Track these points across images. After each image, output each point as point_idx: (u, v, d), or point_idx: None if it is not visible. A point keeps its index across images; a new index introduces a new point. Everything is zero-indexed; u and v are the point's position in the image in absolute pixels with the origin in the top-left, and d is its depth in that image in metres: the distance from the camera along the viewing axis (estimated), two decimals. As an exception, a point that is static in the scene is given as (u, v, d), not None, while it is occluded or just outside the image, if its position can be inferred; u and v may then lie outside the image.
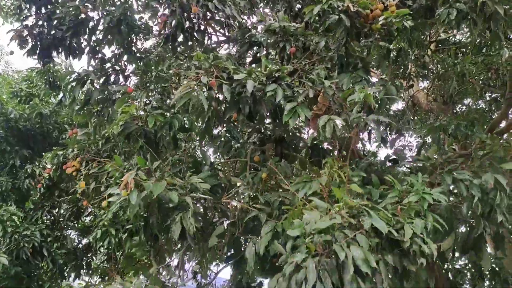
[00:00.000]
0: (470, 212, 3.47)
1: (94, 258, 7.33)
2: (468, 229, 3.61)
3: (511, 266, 7.62)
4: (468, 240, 3.46)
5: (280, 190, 3.59)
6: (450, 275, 7.83)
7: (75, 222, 6.85)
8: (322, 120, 3.42)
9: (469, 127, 6.11)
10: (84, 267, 6.91)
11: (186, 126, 4.12)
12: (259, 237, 3.14)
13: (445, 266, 9.18)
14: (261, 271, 3.29)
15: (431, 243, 2.74)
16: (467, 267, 7.69)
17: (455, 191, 3.56)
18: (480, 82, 8.89)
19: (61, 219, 6.80)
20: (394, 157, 4.18)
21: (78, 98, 4.53)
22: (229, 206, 3.65)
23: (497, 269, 7.12)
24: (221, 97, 3.68)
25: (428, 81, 9.38)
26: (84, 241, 7.10)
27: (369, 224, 2.70)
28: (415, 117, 10.30)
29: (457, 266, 8.31)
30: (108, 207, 3.31)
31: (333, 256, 2.57)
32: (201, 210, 3.51)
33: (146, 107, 3.76)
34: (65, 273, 6.72)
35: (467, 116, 8.01)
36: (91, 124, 4.67)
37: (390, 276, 2.95)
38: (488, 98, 9.75)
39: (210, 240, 3.39)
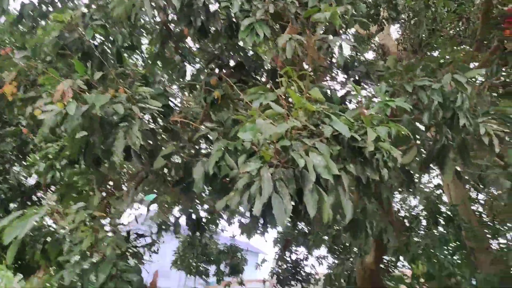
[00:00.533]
0: (432, 122, 3.31)
1: (44, 196, 6.96)
2: (431, 142, 3.47)
3: (465, 213, 7.89)
4: (432, 152, 3.33)
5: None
6: (406, 221, 8.05)
7: (22, 157, 6.40)
8: (282, 39, 3.12)
9: (437, 69, 5.99)
10: (34, 204, 6.55)
11: (134, 44, 3.70)
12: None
13: (402, 213, 9.48)
14: (211, 193, 3.04)
15: (395, 149, 2.56)
16: (423, 214, 7.90)
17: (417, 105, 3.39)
18: (451, 31, 8.77)
19: (5, 153, 6.32)
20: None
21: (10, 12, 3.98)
22: (178, 125, 3.34)
23: (451, 215, 7.32)
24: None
25: (399, 25, 9.16)
26: (34, 178, 6.69)
27: (330, 131, 2.47)
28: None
29: (413, 213, 8.56)
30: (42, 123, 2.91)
31: (290, 165, 2.34)
32: (149, 130, 3.19)
33: (85, 19, 3.31)
34: (12, 210, 6.35)
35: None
36: (28, 43, 4.15)
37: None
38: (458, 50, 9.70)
39: (156, 161, 3.11)
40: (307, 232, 10.62)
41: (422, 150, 4.04)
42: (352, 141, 2.53)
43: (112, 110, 2.91)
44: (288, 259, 10.69)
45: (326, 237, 10.36)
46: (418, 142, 3.62)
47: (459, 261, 7.21)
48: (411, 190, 4.00)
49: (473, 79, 3.47)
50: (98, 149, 3.12)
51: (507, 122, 3.32)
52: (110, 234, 3.52)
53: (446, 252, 6.87)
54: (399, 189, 9.78)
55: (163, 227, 3.72)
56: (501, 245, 7.91)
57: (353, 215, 3.85)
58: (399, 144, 3.06)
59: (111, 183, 4.69)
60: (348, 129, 2.49)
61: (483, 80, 5.66)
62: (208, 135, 3.04)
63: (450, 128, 3.20)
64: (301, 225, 11.07)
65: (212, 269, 10.54)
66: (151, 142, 3.17)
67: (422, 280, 7.19)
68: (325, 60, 4.64)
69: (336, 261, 10.35)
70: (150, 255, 9.76)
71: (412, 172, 3.61)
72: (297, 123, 2.45)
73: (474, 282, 7.22)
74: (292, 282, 10.54)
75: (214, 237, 11.47)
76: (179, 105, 3.82)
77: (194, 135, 3.19)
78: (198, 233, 4.17)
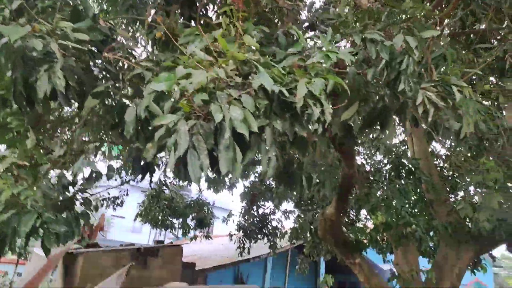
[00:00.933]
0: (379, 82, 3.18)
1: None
2: (375, 101, 3.34)
3: (427, 167, 8.03)
4: (375, 111, 3.21)
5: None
6: (370, 176, 8.17)
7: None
8: None
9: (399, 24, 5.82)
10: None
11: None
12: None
13: (366, 167, 9.62)
14: (142, 139, 2.84)
15: (327, 106, 2.42)
16: (386, 169, 8.02)
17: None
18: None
19: None
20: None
21: None
22: (112, 61, 3.07)
23: (412, 169, 7.44)
24: None
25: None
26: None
27: (259, 83, 2.29)
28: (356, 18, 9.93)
29: (378, 167, 8.70)
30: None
31: (211, 119, 2.17)
32: (80, 66, 2.92)
33: None
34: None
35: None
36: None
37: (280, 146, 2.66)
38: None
39: (87, 101, 2.87)
40: (275, 186, 10.70)
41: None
42: (282, 94, 2.37)
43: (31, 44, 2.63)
44: (255, 213, 10.80)
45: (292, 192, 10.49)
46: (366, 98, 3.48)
47: (417, 212, 7.42)
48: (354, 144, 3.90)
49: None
50: (23, 87, 2.85)
51: (448, 91, 3.23)
52: (44, 183, 3.32)
53: (405, 203, 7.01)
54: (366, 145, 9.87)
55: (94, 173, 3.51)
56: (457, 198, 8.18)
57: (291, 168, 3.78)
58: (341, 98, 2.92)
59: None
60: (273, 82, 2.30)
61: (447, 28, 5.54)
62: (143, 75, 2.80)
63: (392, 89, 3.07)
64: (269, 181, 11.14)
65: (179, 223, 10.55)
66: (85, 81, 2.91)
67: (380, 230, 7.38)
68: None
69: (302, 215, 10.54)
70: (115, 208, 9.71)
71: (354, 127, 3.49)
72: (220, 73, 2.25)
73: (431, 234, 7.48)
74: (259, 236, 10.71)
75: (183, 193, 11.45)
76: (124, 42, 3.52)
77: (128, 72, 2.94)
78: (149, 179, 3.97)
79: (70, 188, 4.09)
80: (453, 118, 3.23)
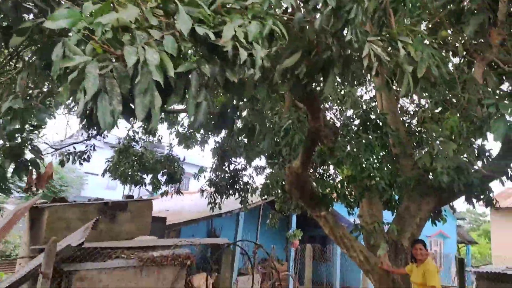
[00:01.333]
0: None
1: None
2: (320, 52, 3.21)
3: (393, 122, 8.10)
4: (318, 63, 3.09)
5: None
6: (340, 130, 8.19)
7: None
8: None
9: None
10: None
11: None
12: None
13: (338, 123, 9.62)
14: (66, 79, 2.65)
15: (259, 49, 2.28)
16: (355, 124, 8.05)
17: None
18: None
19: None
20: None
21: None
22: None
23: (380, 123, 7.48)
24: None
25: None
26: None
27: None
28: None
29: (346, 122, 8.72)
30: None
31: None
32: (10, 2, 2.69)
33: None
34: None
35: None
36: None
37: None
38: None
39: (12, 39, 2.66)
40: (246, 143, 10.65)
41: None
42: (209, 37, 2.20)
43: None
44: (227, 169, 10.80)
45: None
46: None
47: (382, 165, 7.54)
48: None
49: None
50: None
51: (394, 47, 3.13)
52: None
53: (370, 157, 7.09)
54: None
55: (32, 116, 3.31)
56: (423, 152, 8.33)
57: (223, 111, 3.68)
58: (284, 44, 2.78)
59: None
60: (192, 23, 2.10)
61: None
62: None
63: (338, 40, 2.93)
64: (241, 137, 11.08)
65: (149, 179, 10.49)
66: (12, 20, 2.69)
67: (346, 183, 7.51)
68: None
69: (272, 170, 10.59)
70: (81, 163, 9.55)
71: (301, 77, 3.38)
72: (131, 13, 2.04)
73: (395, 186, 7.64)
74: (230, 192, 10.77)
75: (156, 149, 11.32)
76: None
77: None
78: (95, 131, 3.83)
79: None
80: (407, 62, 3.16)
